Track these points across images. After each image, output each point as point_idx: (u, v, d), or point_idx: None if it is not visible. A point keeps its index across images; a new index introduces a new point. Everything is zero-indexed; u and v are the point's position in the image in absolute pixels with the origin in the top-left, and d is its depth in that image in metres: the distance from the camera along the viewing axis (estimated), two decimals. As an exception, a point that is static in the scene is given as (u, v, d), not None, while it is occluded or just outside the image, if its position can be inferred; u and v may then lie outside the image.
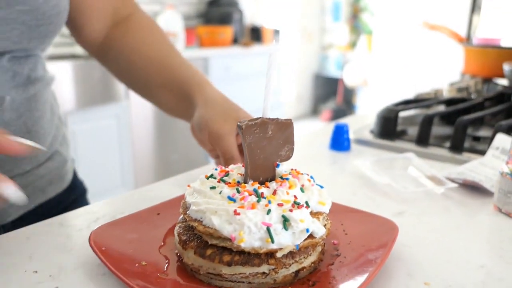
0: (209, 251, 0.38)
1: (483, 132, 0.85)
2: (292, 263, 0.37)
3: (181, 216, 0.44)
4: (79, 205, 0.67)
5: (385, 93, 4.25)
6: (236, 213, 0.36)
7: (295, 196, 0.39)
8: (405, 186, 0.64)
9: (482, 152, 0.73)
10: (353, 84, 4.82)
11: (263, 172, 0.42)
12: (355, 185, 0.66)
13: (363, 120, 1.10)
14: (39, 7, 0.53)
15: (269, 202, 0.37)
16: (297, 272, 0.38)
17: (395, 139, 0.86)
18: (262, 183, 0.42)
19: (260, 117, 0.41)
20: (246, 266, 0.36)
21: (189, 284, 0.38)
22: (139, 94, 0.73)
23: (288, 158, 0.43)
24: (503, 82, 1.16)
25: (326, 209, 0.41)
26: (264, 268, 0.36)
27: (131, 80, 0.73)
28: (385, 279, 0.40)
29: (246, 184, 0.41)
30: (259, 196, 0.38)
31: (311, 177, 0.44)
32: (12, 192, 0.37)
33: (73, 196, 0.72)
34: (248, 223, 0.35)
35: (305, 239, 0.37)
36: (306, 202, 0.39)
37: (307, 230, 0.37)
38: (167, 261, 0.41)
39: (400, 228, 0.45)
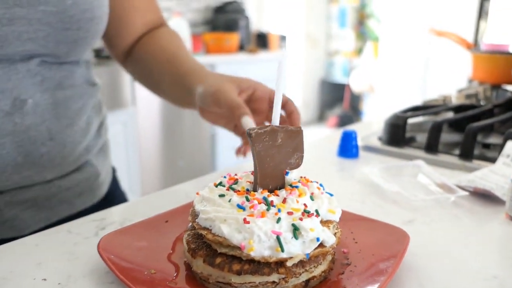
0: (218, 260, 0.37)
1: (493, 139, 0.84)
2: (302, 272, 0.37)
3: (190, 224, 0.44)
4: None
5: (391, 100, 4.23)
6: (245, 221, 0.36)
7: (305, 205, 0.39)
8: (415, 194, 0.63)
9: (493, 160, 0.73)
10: (359, 90, 4.81)
11: (272, 180, 0.42)
12: (363, 192, 0.65)
13: (370, 126, 1.09)
14: (66, 9, 0.52)
15: (279, 210, 0.37)
16: (307, 281, 0.38)
17: (404, 146, 0.85)
18: (271, 191, 0.41)
19: (269, 125, 0.41)
20: (255, 275, 0.36)
21: (198, 293, 0.38)
22: (156, 93, 0.75)
23: (297, 166, 0.43)
24: (512, 88, 1.15)
25: (336, 217, 0.41)
26: (274, 277, 0.36)
27: (150, 82, 0.74)
28: (396, 289, 0.40)
29: (255, 192, 0.40)
30: (269, 204, 0.38)
31: (321, 184, 0.44)
32: None
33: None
34: (258, 231, 0.35)
35: (316, 248, 0.37)
36: (316, 211, 0.39)
37: (317, 239, 0.37)
38: (176, 270, 0.41)
39: (410, 237, 0.45)
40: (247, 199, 0.38)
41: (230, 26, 3.25)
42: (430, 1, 3.94)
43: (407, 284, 0.41)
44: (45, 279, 0.41)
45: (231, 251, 0.37)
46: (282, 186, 0.43)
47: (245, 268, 0.36)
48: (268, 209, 0.37)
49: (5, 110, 0.52)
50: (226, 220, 0.37)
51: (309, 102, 5.20)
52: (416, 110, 0.97)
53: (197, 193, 0.43)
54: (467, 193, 0.62)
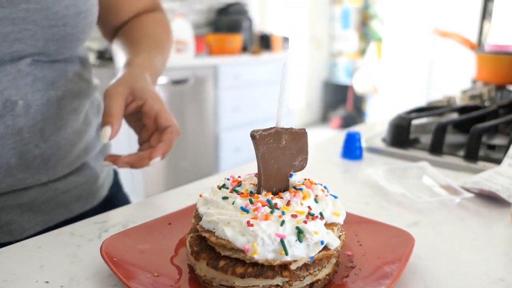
0: (222, 263, 0.37)
1: (498, 141, 0.84)
2: (307, 276, 0.37)
3: (193, 227, 0.44)
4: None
5: (395, 101, 4.22)
6: (249, 224, 0.35)
7: (309, 207, 0.39)
8: (419, 195, 0.62)
9: (498, 161, 0.72)
10: (362, 91, 4.80)
11: (276, 183, 0.41)
12: (368, 194, 0.65)
13: (374, 128, 1.09)
14: (49, 6, 0.51)
15: (283, 213, 0.37)
16: (312, 284, 0.37)
17: (408, 148, 0.85)
18: (275, 193, 0.41)
19: (273, 127, 0.40)
20: (259, 278, 0.36)
21: (201, 296, 0.37)
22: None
23: (302, 168, 0.43)
24: (517, 89, 1.14)
25: (340, 220, 0.41)
26: (278, 280, 0.36)
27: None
28: (402, 292, 0.40)
29: (259, 195, 0.40)
30: (273, 207, 0.37)
31: (325, 187, 0.43)
32: None
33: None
34: (262, 234, 0.35)
35: (320, 251, 0.37)
36: (321, 213, 0.38)
37: (322, 242, 0.36)
38: (179, 272, 0.41)
39: (415, 239, 0.44)
40: (251, 202, 0.38)
41: (233, 27, 3.25)
42: (433, 2, 3.93)
43: (412, 287, 0.40)
44: (47, 282, 0.40)
45: (235, 254, 0.36)
46: (286, 189, 0.42)
47: (248, 271, 0.36)
48: (272, 212, 0.37)
49: None
50: (229, 222, 0.37)
51: (312, 103, 5.19)
52: (420, 111, 0.97)
53: (200, 195, 0.43)
54: (472, 195, 0.61)
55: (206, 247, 0.39)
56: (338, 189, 0.64)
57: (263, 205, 0.38)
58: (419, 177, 0.70)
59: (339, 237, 0.40)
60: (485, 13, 1.61)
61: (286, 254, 0.35)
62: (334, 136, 0.98)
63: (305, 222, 0.36)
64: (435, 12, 3.92)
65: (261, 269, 0.36)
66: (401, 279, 0.41)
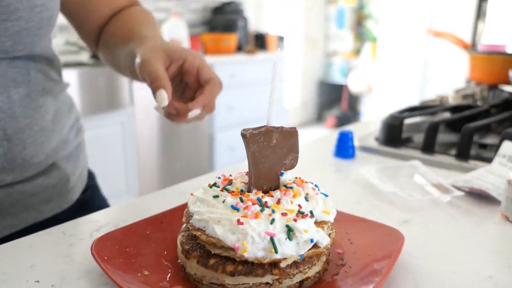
0: (212, 261, 0.37)
1: (490, 140, 0.84)
2: (296, 273, 0.37)
3: (184, 225, 0.44)
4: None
5: (389, 100, 4.24)
6: (239, 222, 0.36)
7: (299, 205, 0.39)
8: (411, 194, 0.63)
9: (489, 160, 0.73)
10: (357, 90, 4.82)
11: (267, 181, 0.42)
12: (360, 193, 0.65)
13: (367, 127, 1.09)
14: None
15: (273, 211, 0.37)
16: (301, 282, 0.38)
17: (400, 147, 0.85)
18: (266, 192, 0.41)
19: (264, 126, 0.40)
20: (249, 276, 0.36)
21: (192, 295, 0.38)
22: (121, 74, 0.70)
23: (292, 166, 0.43)
24: (509, 89, 1.15)
25: (330, 218, 0.41)
26: (268, 278, 0.36)
27: (111, 63, 0.69)
28: (391, 289, 0.40)
29: (249, 193, 0.40)
30: (263, 205, 0.38)
31: (316, 185, 0.44)
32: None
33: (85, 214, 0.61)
34: (252, 232, 0.35)
35: (310, 249, 0.37)
36: (311, 212, 0.39)
37: (312, 240, 0.37)
38: (170, 271, 0.41)
39: (406, 237, 0.45)
40: (241, 200, 0.38)
41: (228, 27, 3.25)
42: (428, 2, 3.95)
43: (402, 284, 0.41)
44: (38, 281, 0.40)
45: (225, 252, 0.37)
46: (276, 187, 0.42)
47: (238, 269, 0.36)
48: (262, 210, 0.37)
49: None
50: (220, 221, 0.37)
51: (307, 103, 5.20)
52: (413, 110, 0.97)
53: (192, 194, 0.43)
54: (463, 193, 0.62)
55: (197, 245, 0.40)
56: (330, 188, 0.64)
57: (253, 204, 0.38)
58: (411, 176, 0.70)
59: (329, 235, 0.40)
60: (480, 13, 1.62)
61: (276, 252, 0.35)
62: (327, 135, 0.98)
63: (295, 220, 0.37)
64: (430, 12, 3.94)
65: (251, 267, 0.36)
66: (392, 276, 0.41)
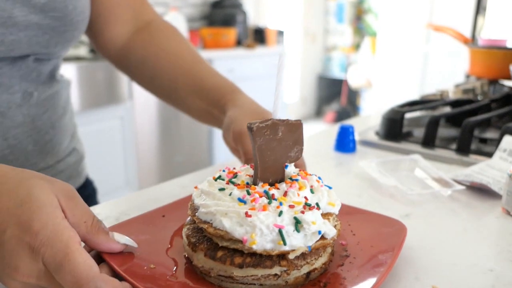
0: (219, 253, 0.38)
1: (490, 134, 0.85)
2: (304, 265, 0.37)
3: (189, 218, 0.44)
4: (90, 204, 0.66)
5: (389, 95, 4.24)
6: (247, 215, 0.36)
7: (305, 198, 0.39)
8: (412, 188, 0.63)
9: (489, 154, 0.73)
10: (357, 85, 4.82)
11: (272, 174, 0.42)
12: (360, 186, 0.66)
13: (368, 121, 1.10)
14: (68, 14, 0.56)
15: (280, 203, 0.37)
16: (309, 273, 0.38)
17: (401, 141, 0.86)
18: (271, 184, 0.42)
19: (270, 119, 0.41)
20: (258, 268, 0.36)
21: (199, 287, 0.38)
22: (166, 101, 0.74)
23: (297, 159, 0.43)
24: (510, 83, 1.15)
25: (336, 210, 0.41)
26: (276, 270, 0.36)
27: (157, 88, 0.72)
28: (393, 282, 0.40)
29: (256, 186, 0.41)
30: (270, 198, 0.38)
31: (319, 177, 0.44)
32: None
33: (86, 193, 0.74)
34: (260, 225, 0.35)
35: (317, 241, 0.38)
36: (317, 204, 0.39)
37: (319, 232, 0.37)
38: (175, 264, 0.41)
39: (407, 231, 0.45)
40: (248, 193, 0.39)
41: (228, 21, 3.24)
42: (427, -4, 3.94)
43: (403, 277, 0.41)
44: (47, 272, 0.41)
45: (233, 244, 0.37)
46: (282, 180, 0.43)
47: (247, 261, 0.36)
48: (269, 203, 0.37)
49: (17, 103, 0.57)
50: (227, 213, 0.37)
51: (306, 98, 5.20)
52: (413, 104, 0.98)
53: (196, 187, 0.43)
54: (463, 187, 0.62)
55: (203, 238, 0.40)
56: (331, 182, 0.64)
57: (261, 196, 0.38)
58: (412, 170, 0.71)
59: (335, 226, 0.41)
60: (480, 8, 1.62)
61: (285, 244, 0.36)
62: (328, 130, 0.98)
63: (302, 212, 0.37)
64: (430, 6, 3.93)
65: (259, 259, 0.37)
66: (393, 269, 0.42)
